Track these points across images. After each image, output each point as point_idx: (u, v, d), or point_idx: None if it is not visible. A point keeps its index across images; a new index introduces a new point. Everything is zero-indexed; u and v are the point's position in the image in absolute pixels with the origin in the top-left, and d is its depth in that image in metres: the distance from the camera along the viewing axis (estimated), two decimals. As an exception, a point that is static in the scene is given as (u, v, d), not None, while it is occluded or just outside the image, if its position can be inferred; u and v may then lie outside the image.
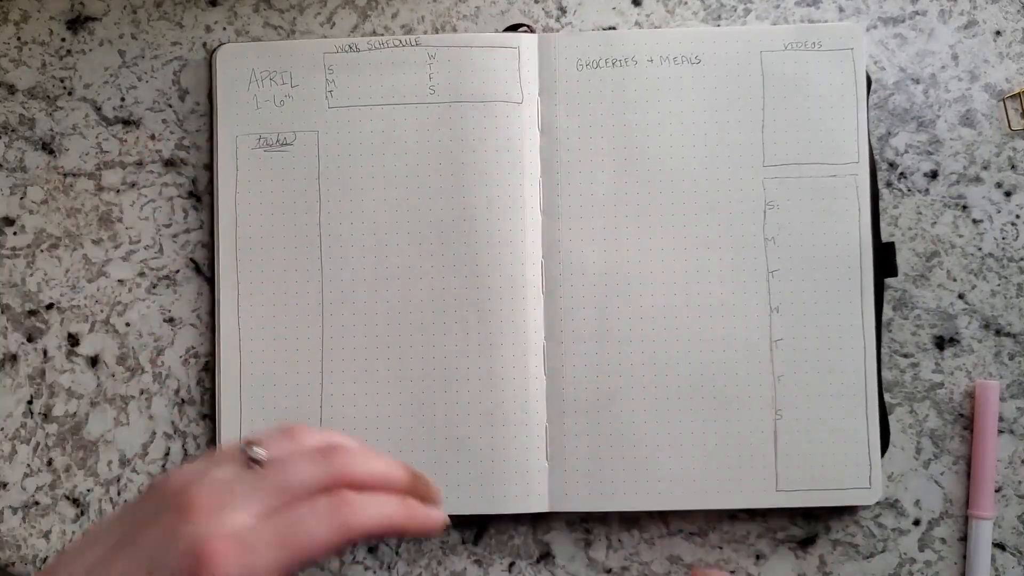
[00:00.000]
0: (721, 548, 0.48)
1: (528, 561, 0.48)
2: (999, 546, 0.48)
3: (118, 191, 0.49)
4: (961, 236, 0.49)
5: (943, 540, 0.48)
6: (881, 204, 0.49)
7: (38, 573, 0.34)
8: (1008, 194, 0.49)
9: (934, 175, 0.49)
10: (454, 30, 0.50)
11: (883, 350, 0.48)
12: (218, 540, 0.29)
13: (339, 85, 0.48)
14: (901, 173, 0.49)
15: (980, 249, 0.49)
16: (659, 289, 0.47)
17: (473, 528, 0.48)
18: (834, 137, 0.48)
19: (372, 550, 0.48)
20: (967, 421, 0.48)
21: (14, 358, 0.49)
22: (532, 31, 0.49)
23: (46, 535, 0.49)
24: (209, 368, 0.49)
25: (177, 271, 0.49)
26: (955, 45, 0.49)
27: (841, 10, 0.49)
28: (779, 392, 0.47)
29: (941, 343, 0.48)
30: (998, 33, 0.49)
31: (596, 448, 0.47)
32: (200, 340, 0.49)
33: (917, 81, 0.49)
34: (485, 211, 0.48)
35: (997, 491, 0.48)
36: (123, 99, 0.50)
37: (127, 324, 0.49)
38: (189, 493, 0.30)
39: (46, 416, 0.49)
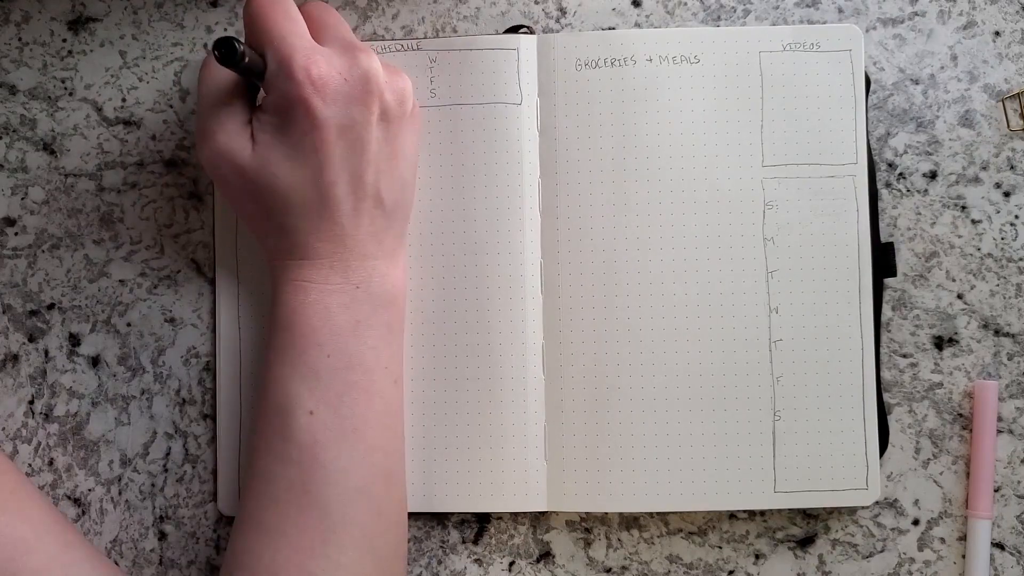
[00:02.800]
0: (720, 548, 0.48)
1: (528, 560, 0.48)
2: (998, 546, 0.48)
3: (119, 191, 0.50)
4: (960, 236, 0.49)
5: (942, 540, 0.48)
6: (880, 204, 0.49)
7: None
8: (1007, 194, 0.49)
9: (933, 176, 0.49)
10: (454, 31, 0.50)
11: (882, 350, 0.48)
12: None
13: (339, 86, 0.49)
14: (900, 174, 0.49)
15: (979, 249, 0.49)
16: (657, 289, 0.47)
17: (473, 527, 0.48)
18: (832, 138, 0.48)
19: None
20: (966, 421, 0.48)
21: (15, 358, 0.49)
22: (532, 32, 0.49)
23: (47, 534, 0.49)
24: (210, 368, 0.49)
25: (178, 271, 0.49)
26: (954, 46, 0.49)
27: (840, 11, 0.49)
28: (778, 393, 0.47)
29: (940, 343, 0.49)
30: (997, 34, 0.49)
31: (594, 448, 0.47)
32: (201, 340, 0.49)
33: (916, 82, 0.49)
34: (484, 212, 0.48)
35: (996, 491, 0.48)
36: (124, 100, 0.50)
37: (128, 324, 0.49)
38: None
39: (47, 416, 0.49)
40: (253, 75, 0.41)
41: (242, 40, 0.39)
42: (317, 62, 0.40)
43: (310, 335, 0.42)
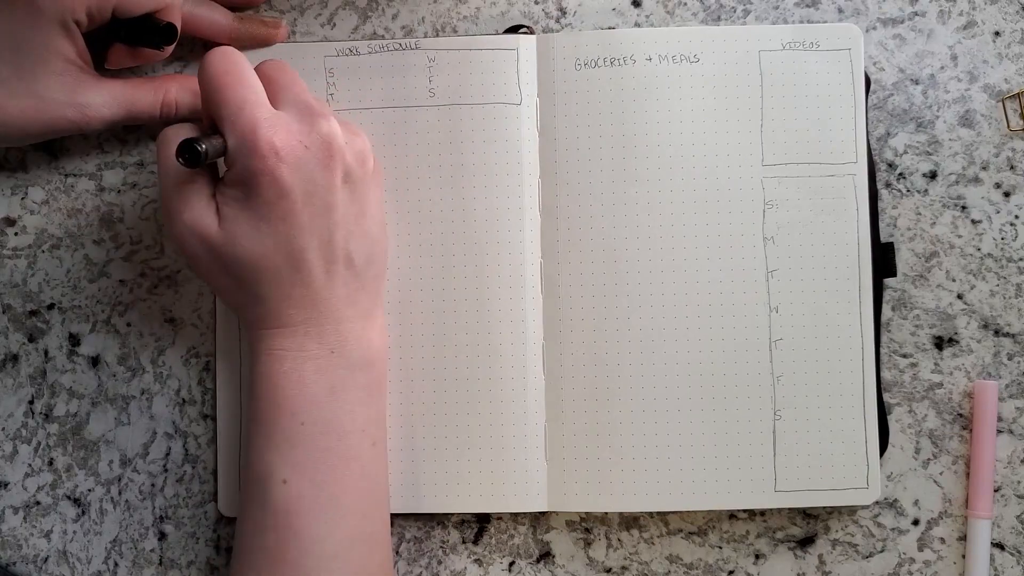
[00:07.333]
0: (720, 548, 0.48)
1: (528, 560, 0.48)
2: (998, 546, 0.48)
3: (119, 191, 0.50)
4: (960, 236, 0.49)
5: (942, 540, 0.48)
6: (880, 204, 0.49)
7: None
8: (1007, 194, 0.49)
9: (933, 176, 0.49)
10: (455, 31, 0.50)
11: (882, 350, 0.48)
12: None
13: (340, 88, 0.49)
14: (900, 173, 0.49)
15: (979, 249, 0.49)
16: (658, 289, 0.47)
17: (473, 527, 0.48)
18: (832, 137, 0.48)
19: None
20: (966, 421, 0.48)
21: (15, 358, 0.49)
22: (532, 32, 0.49)
23: (47, 535, 0.49)
24: (210, 368, 0.49)
25: (178, 271, 0.49)
26: (954, 46, 0.49)
27: (840, 11, 0.49)
28: (778, 392, 0.47)
29: (940, 343, 0.49)
30: (997, 34, 0.49)
31: (595, 448, 0.47)
32: (201, 340, 0.49)
33: (916, 82, 0.49)
34: (484, 212, 0.48)
35: (996, 491, 0.48)
36: (124, 100, 0.50)
37: (128, 324, 0.49)
38: None
39: (47, 416, 0.49)
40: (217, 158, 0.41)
41: (199, 137, 0.39)
42: (278, 132, 0.40)
43: (284, 403, 0.42)
